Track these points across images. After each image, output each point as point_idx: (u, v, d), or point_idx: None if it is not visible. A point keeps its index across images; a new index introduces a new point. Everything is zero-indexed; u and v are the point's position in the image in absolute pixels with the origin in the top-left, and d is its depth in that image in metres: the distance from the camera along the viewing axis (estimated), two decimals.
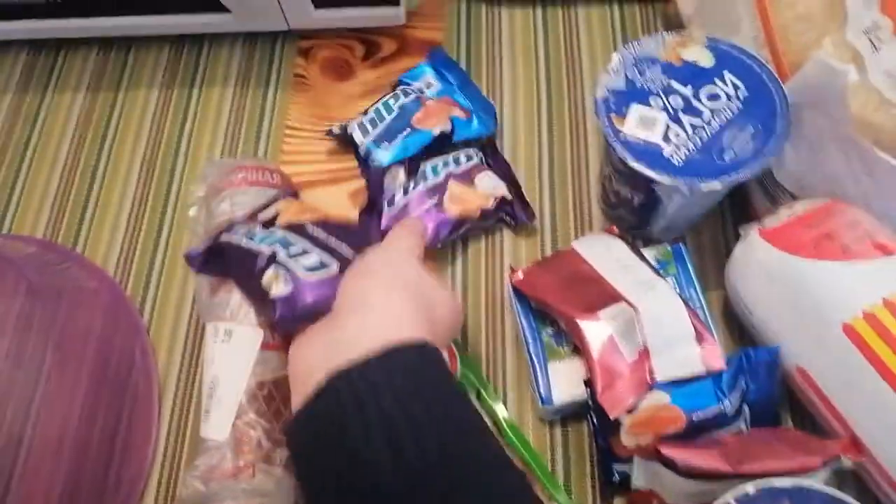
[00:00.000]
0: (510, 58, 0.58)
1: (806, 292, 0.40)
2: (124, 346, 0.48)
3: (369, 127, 0.51)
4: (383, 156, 0.50)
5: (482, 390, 0.45)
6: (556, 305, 0.43)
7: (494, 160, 0.53)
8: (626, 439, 0.41)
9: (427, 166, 0.50)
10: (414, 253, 0.40)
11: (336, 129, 0.53)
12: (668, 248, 0.47)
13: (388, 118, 0.51)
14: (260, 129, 0.56)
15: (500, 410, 0.45)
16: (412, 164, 0.50)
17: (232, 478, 0.39)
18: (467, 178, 0.50)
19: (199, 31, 0.56)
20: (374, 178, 0.50)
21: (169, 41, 0.59)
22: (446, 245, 0.51)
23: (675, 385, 0.40)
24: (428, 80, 0.54)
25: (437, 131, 0.50)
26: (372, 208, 0.50)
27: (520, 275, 0.45)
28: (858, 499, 0.35)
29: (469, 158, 0.51)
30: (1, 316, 0.46)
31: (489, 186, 0.50)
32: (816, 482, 0.37)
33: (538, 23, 0.59)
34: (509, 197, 0.50)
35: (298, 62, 0.58)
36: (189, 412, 0.47)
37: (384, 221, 0.49)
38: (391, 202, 0.49)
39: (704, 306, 0.45)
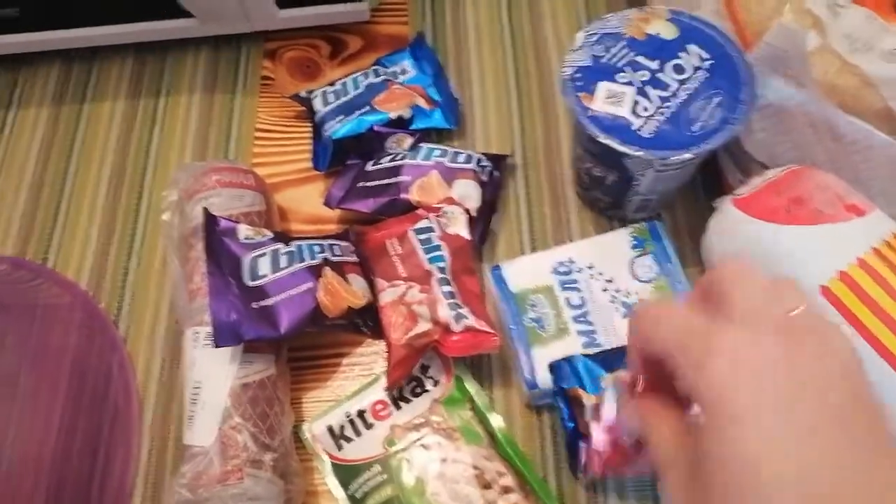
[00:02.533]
0: (477, 47, 0.58)
1: (782, 258, 0.40)
2: (101, 361, 0.47)
3: (332, 97, 0.52)
4: (335, 128, 0.50)
5: (475, 399, 0.45)
6: None
7: (492, 180, 0.50)
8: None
9: (425, 147, 0.50)
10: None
11: (303, 93, 0.53)
12: (644, 225, 0.47)
13: (352, 93, 0.52)
14: (229, 134, 0.55)
15: (495, 420, 0.44)
16: (417, 139, 0.51)
17: (219, 483, 0.39)
18: (449, 174, 0.49)
19: (163, 37, 0.56)
20: (378, 133, 0.51)
21: (132, 50, 0.59)
22: None
23: None
24: (404, 67, 0.55)
25: (394, 115, 0.50)
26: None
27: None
28: None
29: (468, 161, 0.49)
30: None
31: (461, 192, 0.49)
32: None
33: (503, 10, 0.59)
34: (472, 214, 0.48)
35: (265, 64, 0.58)
36: (171, 422, 0.46)
37: (368, 167, 0.50)
38: (379, 161, 0.50)
39: (685, 280, 0.45)
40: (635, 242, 0.47)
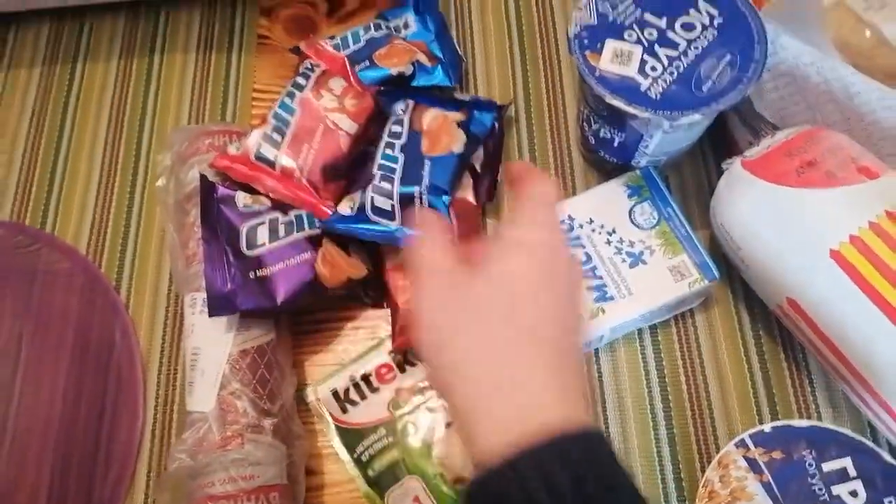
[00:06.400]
0: (479, 5, 0.56)
1: (792, 221, 0.40)
2: (103, 326, 0.47)
3: (332, 51, 0.49)
4: None
5: None
6: None
7: (493, 133, 0.49)
8: None
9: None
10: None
11: (302, 46, 0.51)
12: (637, 172, 0.46)
13: (353, 47, 0.50)
14: (226, 94, 0.54)
15: None
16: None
17: (220, 449, 0.39)
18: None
19: None
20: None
21: (124, 8, 0.57)
22: None
23: None
24: (407, 20, 0.53)
25: (394, 71, 0.49)
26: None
27: None
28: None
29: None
30: None
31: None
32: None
33: None
34: (477, 169, 0.47)
35: (261, 23, 0.56)
36: (175, 386, 0.46)
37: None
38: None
39: (686, 224, 0.45)
40: (630, 191, 0.46)
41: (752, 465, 0.37)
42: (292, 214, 0.43)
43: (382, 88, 0.48)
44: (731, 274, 0.46)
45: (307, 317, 0.47)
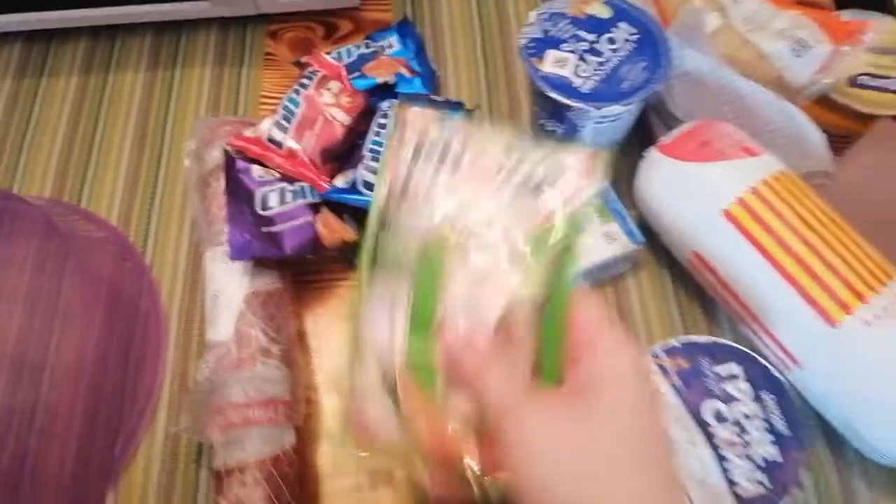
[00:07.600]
0: (450, 31, 0.68)
1: (693, 188, 0.51)
2: (132, 283, 0.55)
3: (330, 61, 0.60)
4: None
5: None
6: None
7: None
8: None
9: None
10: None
11: (303, 59, 0.61)
12: None
13: (346, 60, 0.61)
14: (237, 100, 0.64)
15: None
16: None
17: (236, 368, 0.47)
18: None
19: (178, 17, 0.64)
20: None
21: (151, 29, 0.67)
22: None
23: None
24: (391, 42, 0.64)
25: (381, 80, 0.59)
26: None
27: None
28: None
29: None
30: (20, 256, 0.53)
31: None
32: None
33: (472, 1, 0.70)
34: None
35: (268, 43, 0.67)
36: (192, 332, 0.54)
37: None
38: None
39: (616, 199, 0.55)
40: None
41: (663, 370, 0.46)
42: (297, 185, 0.53)
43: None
44: (654, 243, 0.57)
45: (307, 277, 0.56)
